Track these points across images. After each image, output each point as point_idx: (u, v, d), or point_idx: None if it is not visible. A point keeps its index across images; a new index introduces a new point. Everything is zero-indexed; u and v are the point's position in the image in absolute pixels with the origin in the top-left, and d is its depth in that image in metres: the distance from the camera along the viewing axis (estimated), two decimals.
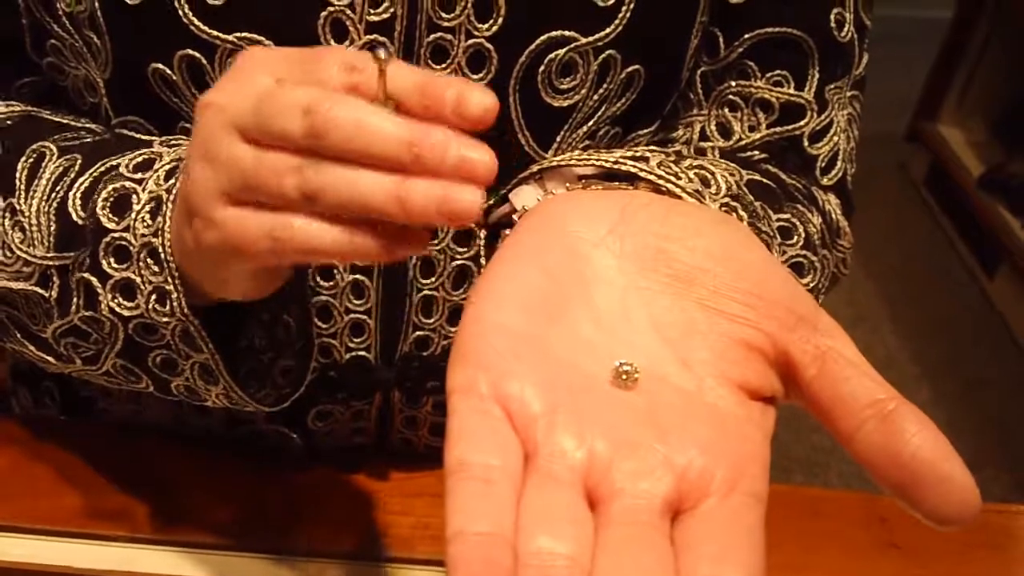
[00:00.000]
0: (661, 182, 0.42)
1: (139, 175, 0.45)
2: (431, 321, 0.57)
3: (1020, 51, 2.53)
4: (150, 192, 0.44)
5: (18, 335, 0.51)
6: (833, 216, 0.58)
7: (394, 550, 0.58)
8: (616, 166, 0.42)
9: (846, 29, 0.57)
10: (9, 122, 0.53)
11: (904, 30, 3.33)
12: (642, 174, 0.42)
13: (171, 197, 0.43)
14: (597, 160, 0.42)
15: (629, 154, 0.43)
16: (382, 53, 0.35)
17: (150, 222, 0.44)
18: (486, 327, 0.32)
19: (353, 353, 0.58)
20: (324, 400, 0.60)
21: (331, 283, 0.55)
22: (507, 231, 0.37)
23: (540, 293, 0.34)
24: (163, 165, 0.45)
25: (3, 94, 0.55)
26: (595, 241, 0.35)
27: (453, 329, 0.58)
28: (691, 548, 0.28)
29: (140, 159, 0.46)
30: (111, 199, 0.45)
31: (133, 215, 0.44)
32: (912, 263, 2.48)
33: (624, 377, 0.32)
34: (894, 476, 0.29)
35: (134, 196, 0.45)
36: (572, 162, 0.43)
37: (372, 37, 0.48)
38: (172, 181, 0.44)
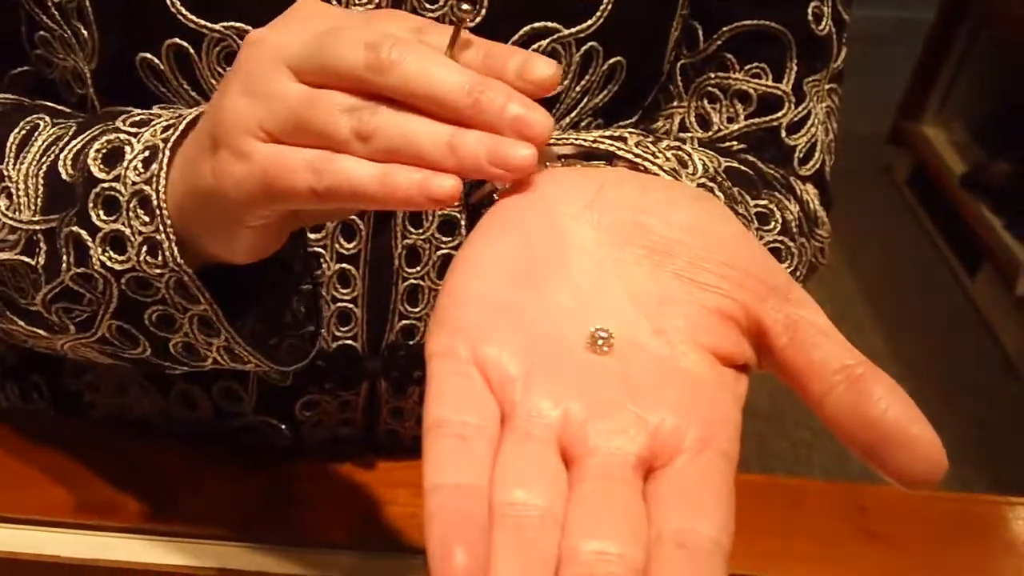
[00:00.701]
0: (639, 160, 0.42)
1: (135, 130, 0.44)
2: (417, 310, 0.58)
3: (1002, 52, 2.54)
4: (145, 142, 0.43)
5: (7, 312, 0.50)
6: (811, 205, 0.59)
7: (382, 539, 0.59)
8: (595, 145, 0.43)
9: (824, 23, 0.58)
10: (1, 109, 0.52)
11: (887, 31, 3.35)
12: (620, 152, 0.43)
13: (168, 146, 0.42)
14: (576, 139, 0.43)
15: (608, 134, 0.44)
16: (465, 5, 0.36)
17: (142, 170, 0.42)
18: (465, 295, 0.33)
19: (340, 342, 0.58)
20: (312, 390, 0.60)
21: (317, 272, 0.56)
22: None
23: (518, 263, 0.34)
24: (161, 121, 0.44)
25: None
26: (573, 214, 0.36)
27: None
28: (663, 501, 0.28)
29: (138, 118, 0.46)
30: (103, 150, 0.44)
31: (125, 164, 0.43)
32: (895, 262, 2.50)
33: (600, 343, 0.33)
34: (862, 437, 0.30)
35: (127, 147, 0.43)
36: (552, 141, 0.43)
37: None
38: (170, 132, 0.43)
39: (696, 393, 0.32)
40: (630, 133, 0.45)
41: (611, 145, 0.43)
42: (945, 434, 0.29)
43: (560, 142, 0.43)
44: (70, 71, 0.54)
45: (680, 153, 0.46)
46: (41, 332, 0.50)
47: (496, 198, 0.38)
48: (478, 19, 0.50)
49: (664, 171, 0.43)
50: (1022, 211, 2.28)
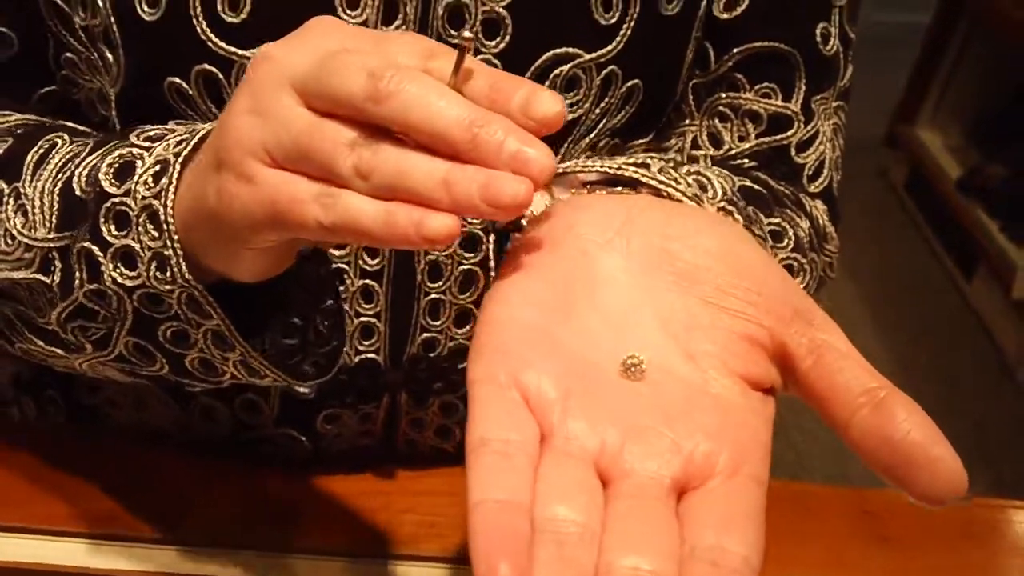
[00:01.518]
0: (662, 187, 0.44)
1: (148, 144, 0.44)
2: (438, 323, 0.59)
3: (997, 56, 2.56)
4: (156, 156, 0.43)
5: (25, 331, 0.50)
6: (820, 222, 0.60)
7: (400, 548, 0.60)
8: (619, 172, 0.44)
9: (831, 43, 0.59)
10: (22, 128, 0.53)
11: (883, 34, 3.36)
12: (644, 179, 0.44)
13: (179, 160, 0.42)
14: (601, 167, 0.44)
15: (631, 161, 0.45)
16: (467, 33, 0.36)
17: (152, 184, 0.42)
18: (504, 324, 0.34)
19: (362, 356, 0.59)
20: (333, 403, 0.61)
21: (341, 288, 0.57)
22: (516, 235, 0.39)
23: (552, 292, 0.36)
24: (175, 136, 0.44)
25: (21, 107, 0.56)
26: (602, 242, 0.37)
27: (460, 331, 0.60)
28: (696, 521, 0.30)
29: (152, 132, 0.46)
30: (116, 164, 0.44)
31: (136, 177, 0.43)
32: (892, 266, 2.52)
33: (632, 369, 0.34)
34: (887, 459, 0.31)
35: (139, 161, 0.43)
36: (577, 169, 0.45)
37: None
38: (182, 147, 0.42)
39: (727, 418, 0.33)
40: (652, 159, 0.46)
41: (635, 172, 0.44)
42: (944, 434, 0.31)
43: (585, 169, 0.44)
44: (95, 92, 0.55)
45: (700, 178, 0.48)
46: (59, 351, 0.50)
47: (524, 224, 0.39)
48: (502, 45, 0.51)
49: (687, 196, 0.44)
50: (1018, 214, 2.30)
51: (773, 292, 0.36)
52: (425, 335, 0.60)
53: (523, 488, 0.29)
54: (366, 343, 0.59)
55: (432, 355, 0.60)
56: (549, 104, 0.35)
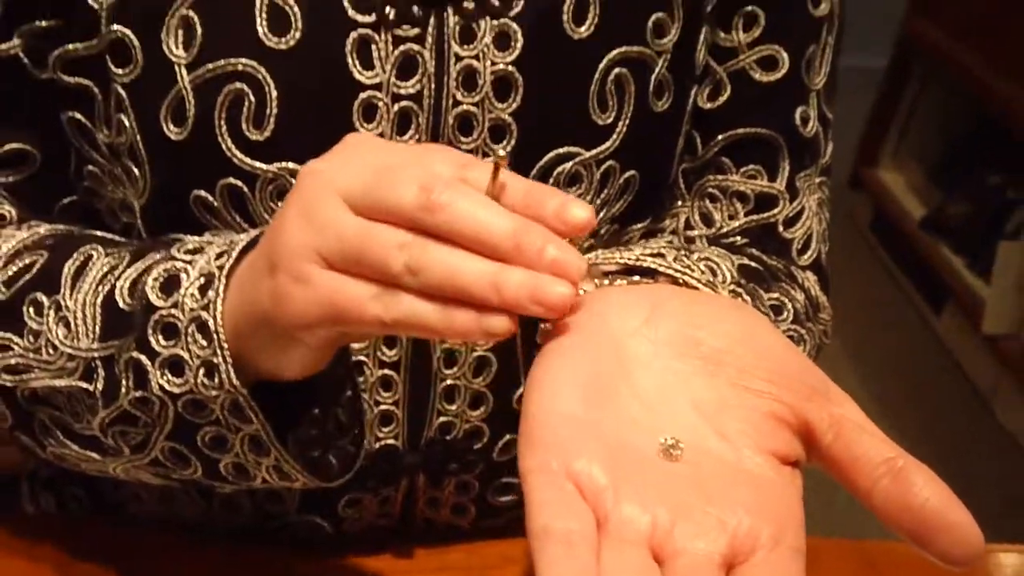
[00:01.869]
0: (678, 275, 0.47)
1: (189, 257, 0.48)
2: (454, 407, 0.62)
3: (952, 95, 2.62)
4: (200, 269, 0.46)
5: (60, 435, 0.52)
6: (813, 292, 0.63)
7: None
8: (638, 263, 0.48)
9: (811, 124, 0.63)
10: (53, 240, 0.55)
11: (842, 79, 3.43)
12: (661, 269, 0.47)
13: (223, 273, 0.45)
14: (619, 258, 0.48)
15: (648, 252, 0.49)
16: (500, 151, 0.40)
17: (199, 297, 0.45)
18: (547, 415, 0.37)
19: (382, 442, 0.61)
20: (354, 488, 0.63)
21: (361, 378, 0.59)
22: (545, 325, 0.42)
23: (588, 380, 0.38)
24: (215, 248, 0.47)
25: (46, 216, 0.58)
26: (631, 331, 0.40)
27: (474, 413, 0.62)
28: None
29: (191, 246, 0.49)
30: (161, 278, 0.47)
31: (182, 291, 0.46)
32: (865, 306, 2.56)
33: (671, 451, 0.37)
34: (908, 524, 0.34)
35: (183, 274, 0.47)
36: (599, 261, 0.48)
37: None
38: (223, 259, 0.46)
39: (764, 493, 0.36)
40: (667, 249, 0.50)
41: (652, 262, 0.48)
42: (959, 500, 0.34)
43: (606, 260, 0.48)
44: (117, 202, 0.57)
45: (710, 263, 0.51)
46: (95, 456, 0.52)
47: None
48: (509, 147, 0.54)
49: (702, 284, 0.47)
50: (982, 250, 2.33)
51: (792, 371, 0.39)
52: (442, 419, 0.62)
53: (589, 574, 0.31)
54: (385, 430, 0.61)
55: (448, 438, 0.63)
56: (580, 212, 0.39)
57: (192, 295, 0.46)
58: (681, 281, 0.47)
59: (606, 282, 0.46)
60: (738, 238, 0.63)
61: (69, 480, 0.71)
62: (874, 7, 2.98)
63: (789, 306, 0.57)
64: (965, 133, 2.64)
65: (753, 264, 0.58)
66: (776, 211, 0.63)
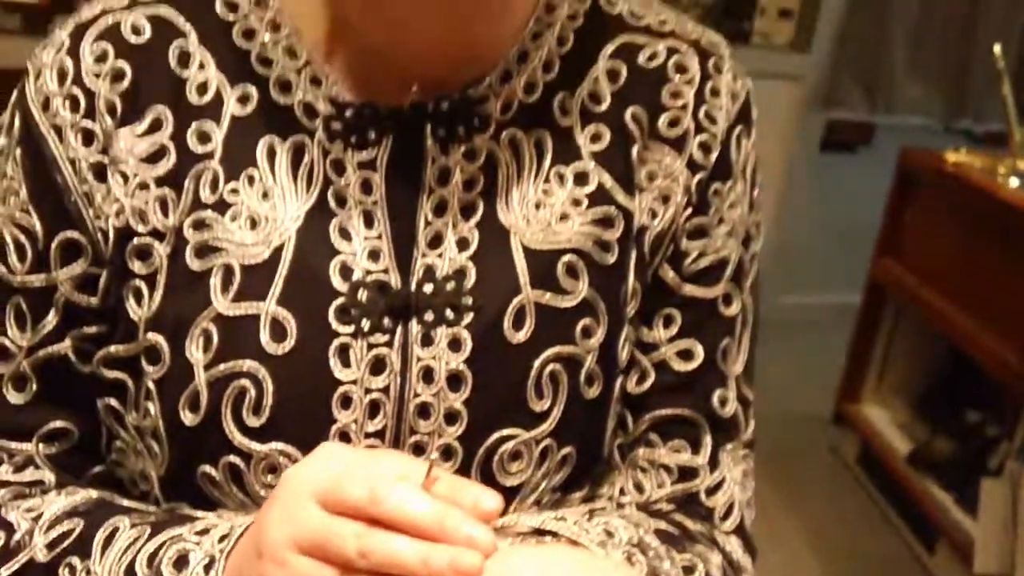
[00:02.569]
0: (573, 536, 0.58)
1: (197, 538, 0.58)
2: None
3: (925, 334, 2.69)
4: (205, 550, 0.57)
5: None
6: (734, 556, 0.69)
7: None
8: (542, 526, 0.59)
9: (729, 405, 0.71)
10: (86, 507, 0.64)
11: (817, 316, 3.52)
12: (560, 531, 0.59)
13: (223, 556, 0.56)
14: (528, 522, 0.60)
15: (553, 515, 0.61)
16: (433, 456, 0.56)
17: (204, 575, 0.56)
18: None
19: None
20: None
21: None
22: None
23: None
24: (218, 531, 0.58)
25: (81, 483, 0.68)
26: None
27: None
28: None
29: (200, 527, 0.59)
30: (174, 557, 0.58)
31: (190, 569, 0.57)
32: (855, 541, 2.54)
33: None
34: None
35: (192, 553, 0.57)
36: (511, 524, 0.61)
37: (370, 442, 0.63)
38: (224, 543, 0.57)
39: None
40: (570, 513, 0.62)
41: (554, 525, 0.59)
42: None
43: (518, 525, 0.59)
44: (138, 472, 0.67)
45: (608, 527, 0.61)
46: None
47: None
48: (460, 431, 0.63)
49: (594, 544, 0.58)
50: (969, 486, 2.33)
51: None
52: None
53: None
54: None
55: None
56: (489, 502, 0.53)
57: (198, 573, 0.56)
58: (578, 542, 0.58)
59: (519, 540, 0.58)
60: (664, 505, 0.70)
61: None
62: (847, 245, 3.09)
63: (701, 567, 0.63)
64: (943, 369, 2.69)
65: (671, 528, 0.65)
66: (697, 481, 0.70)
